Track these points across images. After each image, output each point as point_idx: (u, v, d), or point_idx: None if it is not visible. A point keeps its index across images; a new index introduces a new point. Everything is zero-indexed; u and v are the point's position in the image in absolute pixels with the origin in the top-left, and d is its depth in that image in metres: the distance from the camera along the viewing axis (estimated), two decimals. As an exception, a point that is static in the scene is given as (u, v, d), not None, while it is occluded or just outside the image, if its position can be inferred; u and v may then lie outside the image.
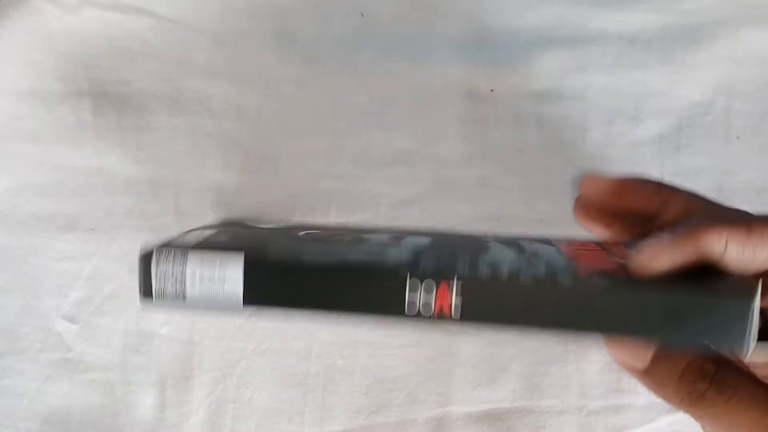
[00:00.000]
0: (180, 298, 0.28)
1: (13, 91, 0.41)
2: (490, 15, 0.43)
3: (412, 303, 0.25)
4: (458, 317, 0.24)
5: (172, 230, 0.41)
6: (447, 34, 0.43)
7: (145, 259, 0.28)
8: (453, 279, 0.24)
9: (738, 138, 0.41)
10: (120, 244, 0.40)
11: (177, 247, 0.28)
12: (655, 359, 0.24)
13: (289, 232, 0.32)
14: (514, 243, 0.29)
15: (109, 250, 0.40)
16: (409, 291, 0.25)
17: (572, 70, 0.42)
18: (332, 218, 0.41)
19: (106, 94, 0.41)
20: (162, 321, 0.40)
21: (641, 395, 0.39)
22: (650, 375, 0.25)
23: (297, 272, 0.26)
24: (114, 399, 0.40)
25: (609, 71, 0.42)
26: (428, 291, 0.25)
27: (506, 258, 0.26)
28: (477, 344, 0.40)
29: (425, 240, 0.30)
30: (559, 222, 0.41)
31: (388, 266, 0.25)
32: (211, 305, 0.27)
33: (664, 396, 0.24)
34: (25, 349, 0.40)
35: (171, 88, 0.42)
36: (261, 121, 0.42)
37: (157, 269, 0.28)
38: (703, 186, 0.41)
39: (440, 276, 0.24)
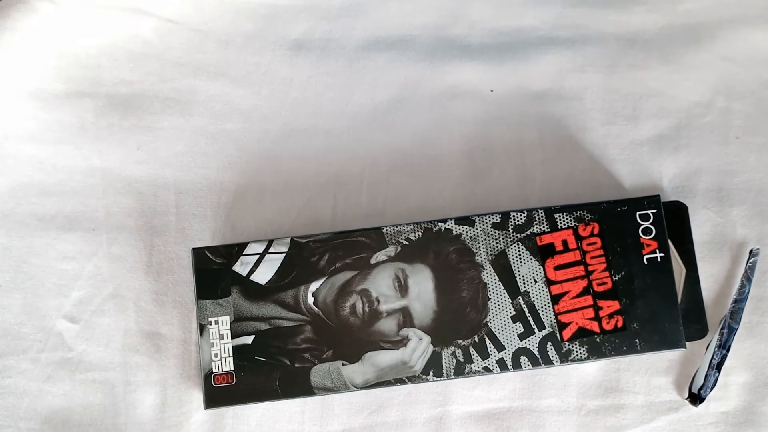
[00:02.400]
0: None
1: (13, 91, 0.41)
2: (491, 15, 0.43)
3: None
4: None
5: (172, 230, 0.41)
6: (447, 35, 0.43)
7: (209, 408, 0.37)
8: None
9: (737, 138, 0.42)
10: (120, 244, 0.40)
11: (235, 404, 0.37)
12: None
13: (299, 299, 0.37)
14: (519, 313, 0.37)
15: (110, 250, 0.40)
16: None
17: (572, 71, 0.42)
18: (332, 219, 0.41)
19: (106, 95, 0.41)
20: (162, 321, 0.40)
21: (641, 395, 0.39)
22: None
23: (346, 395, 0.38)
24: (114, 399, 0.40)
25: (608, 72, 0.42)
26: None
27: (508, 337, 0.36)
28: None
29: (430, 300, 0.36)
30: (558, 222, 0.41)
31: (416, 380, 0.36)
32: None
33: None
34: (25, 348, 0.40)
35: (171, 89, 0.42)
36: (261, 121, 0.42)
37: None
38: (703, 186, 0.41)
39: (460, 379, 0.37)
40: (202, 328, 0.36)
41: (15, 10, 0.41)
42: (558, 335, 0.36)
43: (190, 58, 0.42)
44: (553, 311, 0.36)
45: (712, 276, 0.40)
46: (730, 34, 0.42)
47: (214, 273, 0.36)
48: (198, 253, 0.37)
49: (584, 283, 0.36)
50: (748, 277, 0.39)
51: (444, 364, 0.35)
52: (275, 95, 0.42)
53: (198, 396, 0.39)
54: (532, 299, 0.36)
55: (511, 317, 0.36)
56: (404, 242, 0.37)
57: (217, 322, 0.36)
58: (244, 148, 0.41)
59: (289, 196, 0.41)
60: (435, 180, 0.41)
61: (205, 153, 0.41)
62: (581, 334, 0.36)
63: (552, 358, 0.36)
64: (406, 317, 0.35)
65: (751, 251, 0.39)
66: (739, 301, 0.38)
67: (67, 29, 0.41)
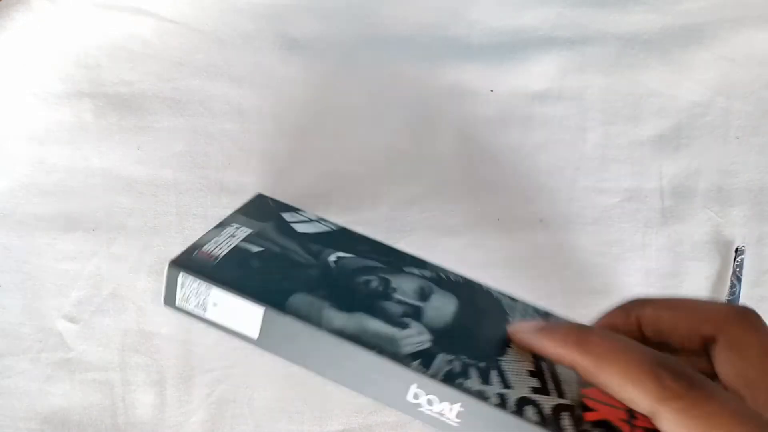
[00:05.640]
0: (198, 316, 0.29)
1: (13, 91, 0.41)
2: (490, 15, 0.43)
3: (415, 396, 0.27)
4: (457, 422, 0.26)
5: (172, 230, 0.41)
6: (447, 35, 0.43)
7: (172, 274, 0.29)
8: (459, 398, 0.26)
9: (737, 138, 0.42)
10: (120, 244, 0.40)
11: (203, 278, 0.29)
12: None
13: (321, 254, 0.32)
14: (536, 368, 0.29)
15: (110, 250, 0.40)
16: (415, 390, 0.27)
17: (571, 71, 0.42)
18: (332, 218, 0.41)
19: (106, 95, 0.42)
20: (162, 321, 0.40)
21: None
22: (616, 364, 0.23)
23: (313, 336, 0.27)
24: (114, 399, 0.40)
25: (608, 72, 0.42)
26: (431, 401, 0.27)
27: (519, 381, 0.27)
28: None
29: (447, 315, 0.30)
30: (559, 222, 0.41)
31: (399, 359, 0.27)
32: (227, 331, 0.28)
33: (632, 392, 0.23)
34: (25, 349, 0.40)
35: (171, 89, 0.42)
36: (261, 121, 0.42)
37: (182, 288, 0.29)
38: (703, 186, 0.41)
39: (447, 388, 0.26)
40: (222, 225, 0.33)
41: (15, 10, 0.41)
42: (578, 412, 0.27)
43: (190, 58, 0.42)
44: (579, 392, 0.28)
45: (712, 276, 0.40)
46: (730, 34, 0.42)
47: (264, 207, 0.35)
48: (260, 195, 0.36)
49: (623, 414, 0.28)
50: (737, 277, 0.39)
51: (435, 363, 0.28)
52: (275, 95, 0.42)
53: (198, 395, 0.39)
54: (558, 370, 0.29)
55: (528, 371, 0.28)
56: (442, 275, 0.34)
57: (238, 228, 0.33)
58: (244, 148, 0.41)
59: (289, 196, 0.41)
60: (435, 180, 0.41)
61: (205, 153, 0.41)
62: (606, 426, 0.26)
63: (564, 428, 0.26)
64: (414, 313, 0.31)
65: (736, 249, 0.39)
66: (731, 302, 0.38)
67: (67, 29, 0.41)
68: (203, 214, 0.41)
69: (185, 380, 0.40)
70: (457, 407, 0.26)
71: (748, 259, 0.40)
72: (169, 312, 0.30)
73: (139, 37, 0.42)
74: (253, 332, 0.28)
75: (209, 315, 0.29)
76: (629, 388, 0.22)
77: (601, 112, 0.42)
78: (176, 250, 0.40)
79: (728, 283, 0.39)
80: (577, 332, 0.25)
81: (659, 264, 0.40)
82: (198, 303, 0.29)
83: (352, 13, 0.43)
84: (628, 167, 0.41)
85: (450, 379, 0.27)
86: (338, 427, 0.39)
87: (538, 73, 0.42)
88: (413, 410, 0.27)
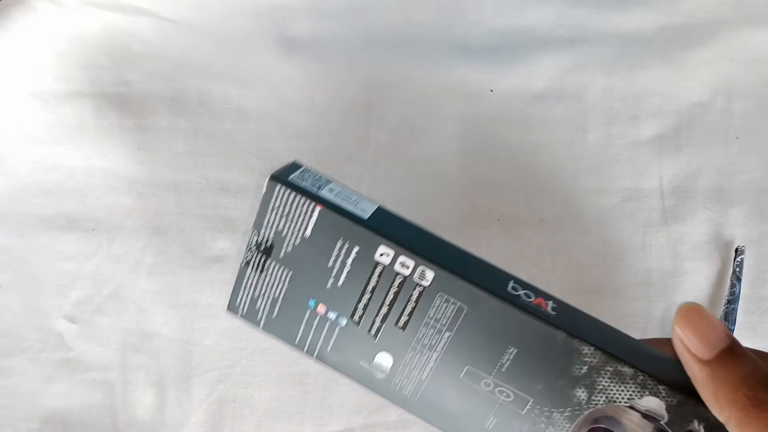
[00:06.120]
0: (312, 193, 0.29)
1: (13, 91, 0.41)
2: (490, 15, 0.43)
3: (514, 287, 0.28)
4: (554, 313, 0.27)
5: (172, 230, 0.41)
6: (447, 34, 0.43)
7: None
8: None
9: (737, 138, 0.42)
10: (120, 244, 0.40)
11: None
12: (722, 355, 0.24)
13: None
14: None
15: (110, 250, 0.40)
16: (512, 284, 0.28)
17: (572, 71, 0.42)
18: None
19: (106, 95, 0.42)
20: (162, 321, 0.40)
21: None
22: (709, 367, 0.24)
23: (416, 229, 0.30)
24: (114, 399, 0.40)
25: (608, 72, 0.42)
26: (528, 295, 0.28)
27: None
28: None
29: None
30: (559, 222, 0.41)
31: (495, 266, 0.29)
32: (337, 209, 0.29)
33: (714, 393, 0.23)
34: (25, 349, 0.40)
35: (171, 89, 0.42)
36: (261, 121, 0.42)
37: (300, 174, 0.30)
38: (703, 186, 0.41)
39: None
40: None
41: (15, 10, 0.41)
42: None
43: (190, 58, 0.42)
44: None
45: (712, 276, 0.40)
46: (730, 34, 0.42)
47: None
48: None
49: None
50: (737, 277, 0.39)
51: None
52: (275, 95, 0.42)
53: (198, 395, 0.39)
54: None
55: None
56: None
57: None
58: (244, 148, 0.41)
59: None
60: (435, 180, 0.41)
61: (205, 153, 0.41)
62: None
63: None
64: None
65: (737, 249, 0.39)
66: (732, 302, 0.38)
67: (67, 29, 0.41)
68: (203, 214, 0.41)
69: (185, 380, 0.40)
70: (550, 303, 0.28)
71: (748, 259, 0.40)
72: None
73: (139, 37, 0.42)
74: (364, 215, 0.29)
75: (326, 192, 0.29)
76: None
77: (601, 112, 0.42)
78: (176, 250, 0.40)
79: (728, 283, 0.39)
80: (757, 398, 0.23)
81: (659, 264, 0.40)
82: (313, 183, 0.30)
83: (352, 13, 0.43)
84: (628, 167, 0.41)
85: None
86: (338, 427, 0.39)
87: (538, 73, 0.42)
88: (515, 299, 0.28)
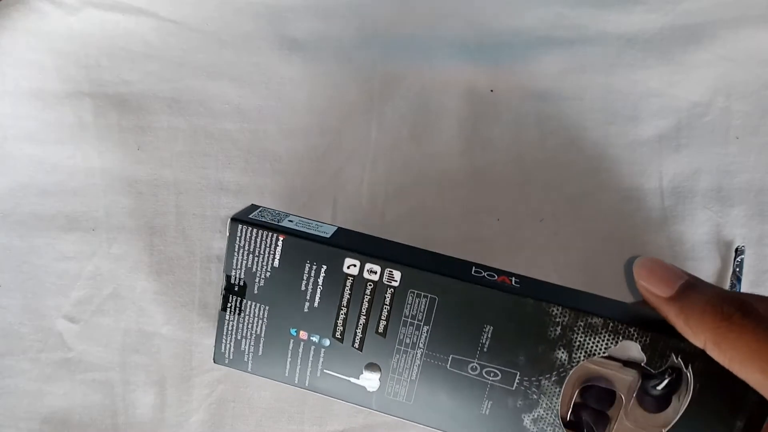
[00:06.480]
0: (272, 226, 0.31)
1: (13, 91, 0.41)
2: (490, 15, 0.43)
3: (477, 270, 0.30)
4: (518, 285, 0.29)
5: (172, 230, 0.41)
6: (447, 35, 0.43)
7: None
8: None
9: (737, 138, 0.42)
10: (120, 244, 0.40)
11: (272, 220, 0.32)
12: (683, 289, 0.26)
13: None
14: None
15: (110, 250, 0.40)
16: (474, 269, 0.30)
17: (572, 71, 0.42)
18: (332, 219, 0.41)
19: (106, 95, 0.42)
20: (162, 321, 0.40)
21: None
22: (675, 302, 0.26)
23: (378, 241, 0.32)
24: (114, 399, 0.40)
25: (608, 71, 0.42)
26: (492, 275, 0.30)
27: None
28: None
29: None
30: (559, 222, 0.41)
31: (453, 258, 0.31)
32: (298, 235, 0.31)
33: (686, 323, 0.25)
34: (25, 348, 0.40)
35: (171, 89, 0.42)
36: (261, 121, 0.42)
37: (258, 214, 0.32)
38: (703, 186, 0.41)
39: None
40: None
41: (15, 10, 0.41)
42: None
43: (190, 58, 0.42)
44: None
45: (713, 276, 0.40)
46: (730, 34, 0.42)
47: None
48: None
49: None
50: (737, 277, 0.39)
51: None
52: (275, 95, 0.42)
53: (198, 395, 0.39)
54: None
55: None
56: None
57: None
58: (244, 148, 0.41)
59: (289, 196, 0.41)
60: (435, 180, 0.41)
61: (205, 153, 0.41)
62: None
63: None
64: None
65: (737, 249, 0.39)
66: None
67: (67, 29, 0.42)
68: (203, 214, 0.41)
69: (185, 380, 0.40)
70: (513, 279, 0.30)
71: (748, 259, 0.40)
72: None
73: (139, 37, 0.42)
74: (326, 235, 0.31)
75: (286, 223, 0.31)
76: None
77: (601, 111, 0.42)
78: (176, 250, 0.40)
79: (728, 283, 0.39)
80: (721, 317, 0.24)
81: (659, 264, 0.40)
82: (272, 218, 0.32)
83: (352, 13, 0.43)
84: (628, 167, 0.41)
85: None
86: (338, 427, 0.39)
87: (539, 73, 0.42)
88: (481, 279, 0.30)
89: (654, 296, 0.26)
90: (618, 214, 0.41)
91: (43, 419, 0.39)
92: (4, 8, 0.41)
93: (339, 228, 0.32)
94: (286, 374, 0.32)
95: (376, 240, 0.32)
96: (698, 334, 0.25)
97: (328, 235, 0.31)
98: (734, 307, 0.24)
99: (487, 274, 0.30)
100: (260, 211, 0.32)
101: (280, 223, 0.31)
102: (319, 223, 0.32)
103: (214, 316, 0.40)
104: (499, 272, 0.30)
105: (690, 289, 0.26)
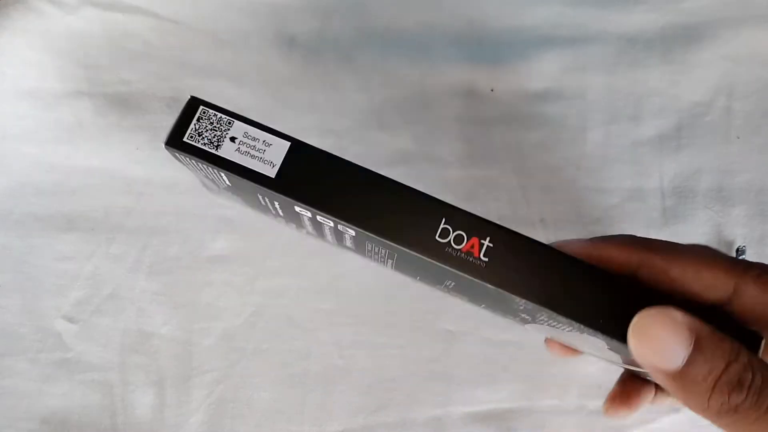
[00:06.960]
0: (205, 154, 0.27)
1: (13, 91, 0.41)
2: (490, 15, 0.43)
3: (444, 230, 0.26)
4: (486, 259, 0.25)
5: (171, 230, 0.40)
6: (447, 34, 0.43)
7: (191, 105, 0.27)
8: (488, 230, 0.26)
9: (738, 138, 0.41)
10: (119, 244, 0.40)
11: (226, 113, 0.27)
12: (689, 363, 0.22)
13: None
14: None
15: (109, 250, 0.40)
16: (443, 225, 0.26)
17: (572, 70, 0.42)
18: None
19: (105, 94, 0.41)
20: (162, 321, 0.40)
21: (641, 395, 0.39)
22: (679, 379, 0.22)
23: (342, 171, 0.27)
24: (113, 399, 0.39)
25: (609, 71, 0.42)
26: (459, 241, 0.26)
27: None
28: (477, 344, 0.40)
29: None
30: (559, 222, 0.41)
31: (427, 198, 0.27)
32: (237, 170, 0.26)
33: (690, 403, 0.22)
34: (24, 349, 0.40)
35: (171, 88, 0.42)
36: (260, 121, 0.42)
37: (198, 122, 0.27)
38: (704, 186, 0.41)
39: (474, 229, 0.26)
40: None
41: (14, 9, 0.41)
42: None
43: (190, 58, 0.42)
44: None
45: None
46: (731, 34, 0.42)
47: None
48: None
49: None
50: None
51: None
52: (274, 95, 0.42)
53: (197, 396, 0.39)
54: None
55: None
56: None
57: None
58: (244, 148, 0.41)
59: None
60: (435, 180, 0.41)
61: (205, 153, 0.41)
62: None
63: None
64: None
65: (737, 249, 0.39)
66: None
67: (66, 29, 0.41)
68: (203, 214, 0.41)
69: (185, 380, 0.40)
70: (486, 242, 0.26)
71: (748, 259, 0.40)
72: (163, 157, 0.28)
73: (139, 36, 0.42)
74: (272, 171, 0.27)
75: (221, 152, 0.27)
76: (705, 273, 0.24)
77: (601, 111, 0.42)
78: (175, 250, 0.40)
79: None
80: (639, 237, 0.27)
81: (660, 264, 0.40)
82: (212, 138, 0.27)
83: (351, 12, 0.43)
84: (629, 167, 0.41)
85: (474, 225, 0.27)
86: (338, 427, 0.39)
87: (539, 73, 0.42)
88: (441, 252, 0.26)
89: (652, 367, 0.23)
90: (618, 213, 0.41)
91: (42, 419, 0.39)
92: (3, 8, 0.41)
93: (290, 148, 0.27)
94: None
95: (331, 176, 0.27)
96: (698, 412, 0.22)
97: (274, 170, 0.26)
98: (742, 396, 0.21)
99: (455, 237, 0.26)
100: (198, 121, 0.27)
101: (220, 147, 0.27)
102: (268, 139, 0.27)
103: (214, 317, 0.40)
104: (471, 229, 0.26)
105: (697, 362, 0.22)
